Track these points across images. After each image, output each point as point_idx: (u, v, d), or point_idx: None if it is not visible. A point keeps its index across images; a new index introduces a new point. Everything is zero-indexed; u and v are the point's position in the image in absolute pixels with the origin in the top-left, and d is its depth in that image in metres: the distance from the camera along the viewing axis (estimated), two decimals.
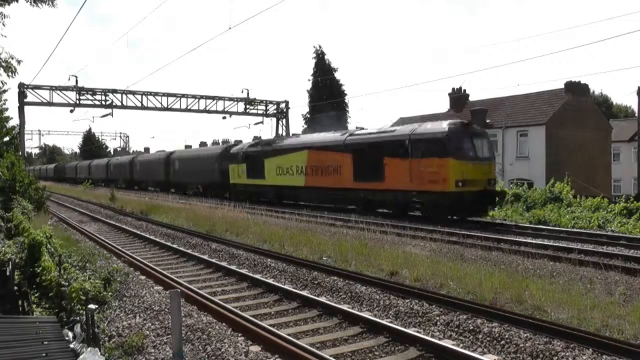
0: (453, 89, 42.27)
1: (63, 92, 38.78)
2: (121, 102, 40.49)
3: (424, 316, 7.25)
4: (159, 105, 41.85)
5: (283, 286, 9.07)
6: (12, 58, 12.39)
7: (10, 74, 12.35)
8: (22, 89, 37.39)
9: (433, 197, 17.22)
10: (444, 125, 17.82)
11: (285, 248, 12.82)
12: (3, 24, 12.27)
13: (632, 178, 41.38)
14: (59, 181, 72.94)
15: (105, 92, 40.08)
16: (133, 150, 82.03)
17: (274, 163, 26.03)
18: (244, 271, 10.48)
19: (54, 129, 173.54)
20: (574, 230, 15.11)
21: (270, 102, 45.96)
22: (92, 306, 5.58)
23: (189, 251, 13.08)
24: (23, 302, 6.61)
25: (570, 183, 20.97)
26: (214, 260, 11.71)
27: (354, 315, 7.25)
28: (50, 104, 38.57)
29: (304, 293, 8.58)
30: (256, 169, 27.40)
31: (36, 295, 7.55)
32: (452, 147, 16.89)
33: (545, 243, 12.35)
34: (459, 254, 11.39)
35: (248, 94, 44.36)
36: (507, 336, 6.23)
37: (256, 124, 46.22)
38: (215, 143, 54.13)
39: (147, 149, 72.57)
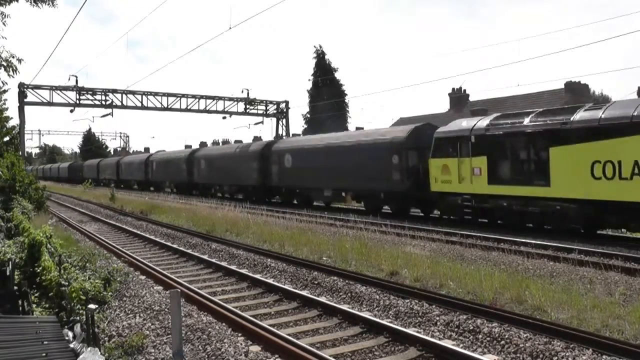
0: (453, 89, 42.27)
1: (63, 92, 38.80)
2: (121, 102, 40.49)
3: (424, 316, 7.25)
4: (159, 105, 41.85)
5: (283, 286, 9.06)
6: (13, 57, 12.41)
7: (11, 72, 12.35)
8: (22, 88, 37.41)
9: None
10: None
11: (285, 248, 12.82)
12: (4, 24, 12.28)
13: None
14: (75, 183, 61.81)
15: (105, 92, 40.09)
16: (133, 151, 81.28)
17: (585, 154, 13.08)
18: (244, 271, 10.47)
19: (54, 129, 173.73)
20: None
21: (270, 102, 45.96)
22: (92, 306, 5.58)
23: (189, 251, 13.08)
24: (23, 302, 6.61)
25: None
26: (214, 260, 11.71)
27: (354, 315, 7.25)
28: (50, 104, 38.58)
29: (304, 293, 8.57)
30: (517, 166, 15.02)
31: (36, 295, 7.56)
32: None
33: (545, 243, 12.34)
34: (459, 254, 11.39)
35: (248, 94, 44.39)
36: (507, 336, 6.22)
37: (256, 124, 46.25)
38: (215, 143, 51.80)
39: (147, 149, 71.83)
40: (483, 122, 16.42)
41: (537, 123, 14.59)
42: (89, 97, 39.72)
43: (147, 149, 71.42)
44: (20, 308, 6.58)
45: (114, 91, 40.28)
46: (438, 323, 6.98)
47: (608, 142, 12.77)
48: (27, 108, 38.63)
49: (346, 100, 48.87)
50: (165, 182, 40.46)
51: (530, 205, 14.64)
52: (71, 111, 39.94)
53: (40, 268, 7.93)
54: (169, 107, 42.10)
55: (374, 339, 6.53)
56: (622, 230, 14.17)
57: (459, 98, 41.51)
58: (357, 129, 28.88)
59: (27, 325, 5.38)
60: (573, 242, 12.29)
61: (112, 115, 41.19)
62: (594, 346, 5.72)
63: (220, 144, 47.11)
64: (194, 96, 42.78)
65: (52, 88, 38.53)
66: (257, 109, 45.67)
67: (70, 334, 5.43)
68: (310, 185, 23.96)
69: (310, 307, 7.94)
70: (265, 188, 27.71)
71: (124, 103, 40.65)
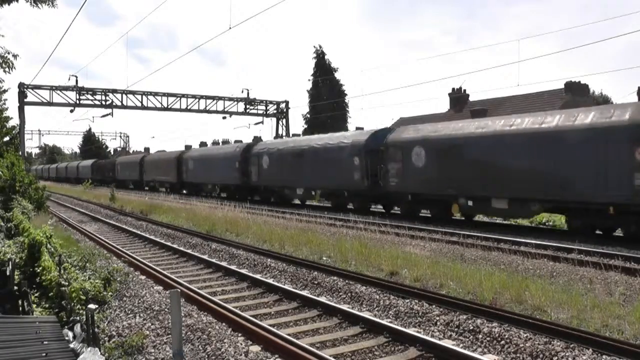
0: (453, 89, 42.26)
1: (63, 92, 38.82)
2: (121, 102, 40.51)
3: (424, 316, 7.25)
4: (159, 105, 41.86)
5: (283, 286, 9.06)
6: (9, 53, 12.39)
7: (7, 69, 12.32)
8: (22, 88, 37.45)
9: None
10: None
11: (285, 248, 12.82)
12: None
13: None
14: (104, 185, 47.43)
15: (105, 92, 40.10)
16: (133, 151, 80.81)
17: None
18: (244, 271, 10.47)
19: (54, 129, 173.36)
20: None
21: (270, 102, 45.97)
22: (92, 306, 5.57)
23: (189, 251, 13.07)
24: (23, 302, 6.60)
25: None
26: (214, 260, 11.71)
27: (354, 315, 7.25)
28: (50, 104, 38.60)
29: (304, 293, 8.57)
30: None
31: (36, 295, 7.55)
32: None
33: (545, 243, 12.34)
34: (459, 254, 11.39)
35: (248, 94, 44.41)
36: (507, 336, 6.22)
37: (256, 124, 46.27)
38: (215, 143, 50.63)
39: (147, 149, 71.19)
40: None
41: None
42: (89, 97, 39.74)
43: (147, 149, 70.23)
44: (20, 308, 6.58)
45: (114, 91, 40.29)
46: (438, 323, 6.98)
47: None
48: (27, 108, 38.73)
49: (346, 100, 48.90)
50: (294, 189, 25.91)
51: None
52: (71, 111, 40.02)
53: (40, 268, 7.93)
54: (169, 107, 42.10)
55: (374, 339, 6.53)
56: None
57: (458, 98, 41.50)
58: (358, 128, 28.93)
59: (27, 325, 5.38)
60: (573, 242, 12.30)
61: (112, 115, 41.27)
62: (594, 346, 5.72)
63: (220, 143, 45.84)
64: (194, 96, 42.79)
65: (52, 88, 38.55)
66: (257, 109, 45.70)
67: (70, 334, 5.42)
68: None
69: (310, 307, 7.94)
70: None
71: (124, 103, 40.67)
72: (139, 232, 16.87)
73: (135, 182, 48.00)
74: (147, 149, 68.51)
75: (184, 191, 38.71)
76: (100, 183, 52.11)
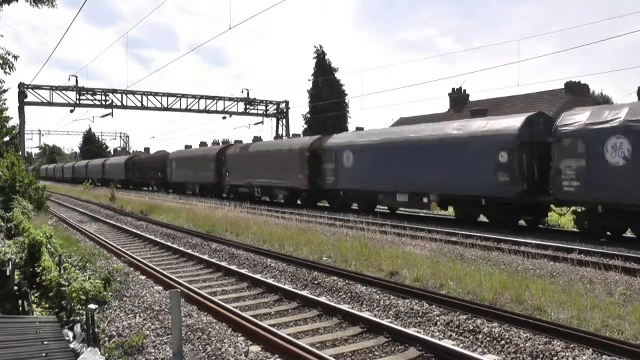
0: (453, 89, 42.23)
1: (63, 92, 38.81)
2: (121, 102, 40.50)
3: (424, 316, 7.25)
4: (158, 105, 41.85)
5: (283, 286, 9.06)
6: (9, 54, 12.38)
7: (7, 70, 12.32)
8: (22, 88, 37.44)
9: None
10: None
11: (285, 248, 12.82)
12: None
13: None
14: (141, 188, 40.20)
15: (105, 92, 40.09)
16: (133, 150, 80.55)
17: None
18: (244, 271, 10.47)
19: (54, 129, 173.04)
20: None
21: (270, 102, 45.97)
22: (92, 306, 5.57)
23: (189, 251, 13.07)
24: (23, 302, 6.61)
25: None
26: (214, 260, 11.71)
27: (354, 315, 7.25)
28: (50, 104, 38.59)
29: (304, 293, 8.57)
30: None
31: (36, 295, 7.56)
32: None
33: (545, 243, 12.33)
34: (459, 254, 11.39)
35: (248, 94, 44.41)
36: (507, 336, 6.22)
37: (256, 124, 46.25)
38: (215, 143, 49.72)
39: (147, 149, 70.71)
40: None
41: None
42: (89, 97, 39.73)
43: (147, 149, 69.52)
44: (20, 308, 6.58)
45: (114, 91, 40.29)
46: (438, 323, 6.98)
47: None
48: (27, 108, 38.72)
49: (346, 100, 48.85)
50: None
51: None
52: (71, 111, 40.00)
53: (40, 268, 7.93)
54: (169, 107, 42.09)
55: (374, 339, 6.53)
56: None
57: (458, 98, 41.47)
58: (358, 129, 28.84)
59: (27, 325, 5.38)
60: (573, 242, 12.30)
61: (112, 115, 41.24)
62: (594, 346, 5.72)
63: (220, 143, 45.43)
64: (194, 96, 42.79)
65: (52, 88, 38.54)
66: (257, 109, 45.69)
67: (70, 334, 5.42)
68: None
69: (310, 307, 7.94)
70: None
71: (124, 103, 40.66)
72: (139, 232, 16.87)
73: (208, 186, 32.80)
74: (147, 149, 68.11)
75: (325, 203, 25.26)
76: (137, 187, 42.44)
